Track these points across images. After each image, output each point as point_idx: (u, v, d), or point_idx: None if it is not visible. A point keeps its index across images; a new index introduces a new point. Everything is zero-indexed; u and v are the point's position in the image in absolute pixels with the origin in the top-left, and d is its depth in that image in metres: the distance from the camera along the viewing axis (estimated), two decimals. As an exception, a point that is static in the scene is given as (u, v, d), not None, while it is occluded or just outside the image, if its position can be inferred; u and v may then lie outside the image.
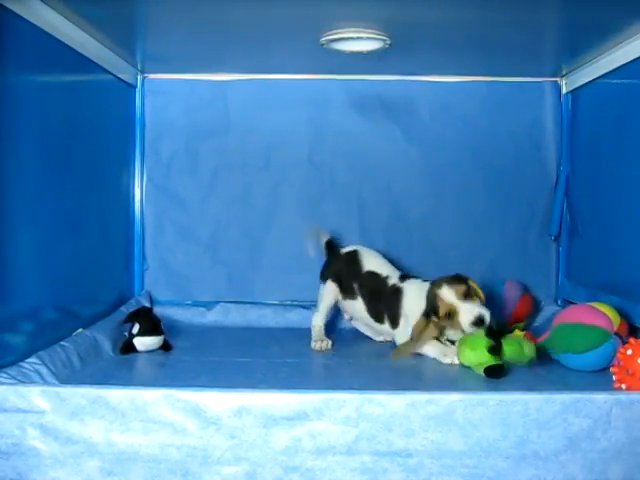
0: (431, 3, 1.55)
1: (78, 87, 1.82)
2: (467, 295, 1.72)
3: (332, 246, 2.13)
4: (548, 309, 2.26)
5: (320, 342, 1.92)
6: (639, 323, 1.72)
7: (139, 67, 2.28)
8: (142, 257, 2.36)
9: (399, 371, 1.70)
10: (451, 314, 1.72)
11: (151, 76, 2.35)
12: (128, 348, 1.84)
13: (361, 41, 1.80)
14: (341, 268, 2.03)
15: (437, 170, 2.37)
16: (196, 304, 2.33)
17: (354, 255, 2.03)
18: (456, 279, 1.75)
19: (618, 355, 1.40)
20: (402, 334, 1.85)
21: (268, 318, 2.28)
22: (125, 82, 2.21)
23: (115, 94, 2.17)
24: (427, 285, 1.81)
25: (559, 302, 2.33)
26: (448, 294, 1.73)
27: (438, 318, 1.74)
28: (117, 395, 1.20)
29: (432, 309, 1.75)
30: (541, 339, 1.77)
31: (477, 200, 2.37)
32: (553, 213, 2.33)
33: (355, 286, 1.99)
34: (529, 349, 1.66)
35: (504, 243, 2.36)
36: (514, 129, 2.36)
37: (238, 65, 2.26)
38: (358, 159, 2.37)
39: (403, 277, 1.93)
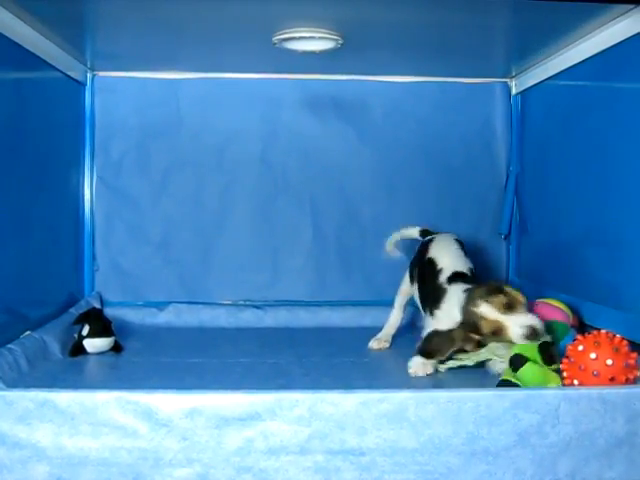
0: (383, 4, 1.56)
1: (25, 85, 1.78)
2: (509, 306, 1.53)
3: (426, 234, 2.02)
4: (498, 307, 2.29)
5: (375, 341, 1.92)
6: (587, 320, 1.75)
7: (89, 65, 2.25)
8: (92, 257, 2.32)
9: (355, 368, 1.70)
10: (497, 332, 1.53)
11: (101, 74, 2.32)
12: (78, 350, 1.81)
13: (313, 40, 1.80)
14: (415, 256, 1.94)
15: (389, 170, 2.38)
16: (148, 305, 2.31)
17: (428, 242, 1.91)
18: (492, 290, 1.56)
19: (568, 352, 1.41)
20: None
21: (221, 318, 2.27)
22: (74, 80, 2.17)
23: (64, 92, 2.13)
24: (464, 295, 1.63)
25: (509, 300, 2.36)
26: (489, 311, 1.53)
27: (481, 335, 1.56)
28: (66, 398, 1.18)
29: (473, 327, 1.56)
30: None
31: (429, 199, 2.39)
32: (503, 212, 2.37)
33: (415, 272, 1.89)
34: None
35: (455, 242, 2.39)
36: (465, 129, 2.39)
37: (190, 63, 2.25)
38: (311, 159, 2.37)
39: (456, 276, 1.73)
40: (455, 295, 1.64)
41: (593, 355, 1.34)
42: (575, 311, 1.76)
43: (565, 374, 1.40)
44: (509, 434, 1.21)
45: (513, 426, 1.21)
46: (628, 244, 1.62)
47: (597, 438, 1.22)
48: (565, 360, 1.41)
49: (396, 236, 2.07)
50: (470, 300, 1.57)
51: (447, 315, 1.63)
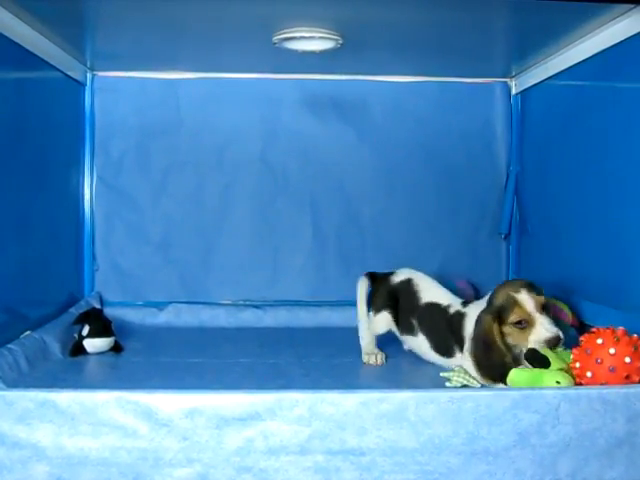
0: (383, 4, 1.55)
1: (25, 85, 1.78)
2: (545, 308, 1.52)
3: (374, 275, 1.88)
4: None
5: (371, 355, 1.76)
6: (587, 320, 1.75)
7: (89, 64, 2.25)
8: (92, 257, 2.32)
9: (355, 368, 1.70)
10: (522, 323, 1.50)
11: (101, 74, 2.32)
12: (78, 350, 1.81)
13: (313, 40, 1.80)
14: (395, 299, 1.80)
15: (389, 170, 2.38)
16: (148, 305, 2.31)
17: (408, 284, 1.80)
18: (533, 286, 1.54)
19: (585, 343, 1.38)
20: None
21: (221, 318, 2.27)
22: (74, 80, 2.17)
23: (64, 92, 2.13)
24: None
25: (509, 300, 2.36)
26: (527, 301, 1.51)
27: (504, 324, 1.52)
28: (66, 398, 1.18)
29: (501, 311, 1.51)
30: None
31: (428, 199, 2.39)
32: (503, 212, 2.37)
33: (414, 322, 1.75)
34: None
35: (455, 242, 2.39)
36: (465, 129, 2.39)
37: (190, 63, 2.25)
38: (310, 158, 2.37)
39: (465, 303, 1.69)
40: (478, 308, 1.60)
41: (612, 350, 1.33)
42: (575, 311, 1.76)
43: (578, 365, 1.37)
44: (509, 434, 1.21)
45: (513, 426, 1.21)
46: (628, 244, 1.62)
47: (597, 438, 1.22)
48: (579, 351, 1.38)
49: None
50: (511, 285, 1.55)
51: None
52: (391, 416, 1.19)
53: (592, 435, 1.22)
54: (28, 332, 1.72)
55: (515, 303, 1.51)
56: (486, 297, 1.61)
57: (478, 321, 1.55)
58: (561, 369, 1.42)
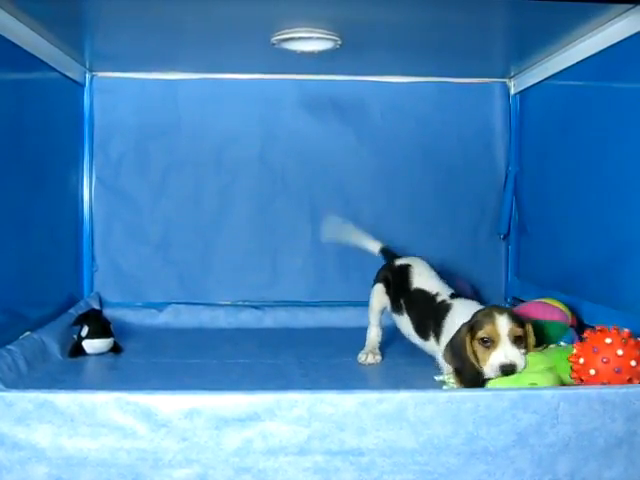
0: (381, 4, 1.56)
1: (24, 85, 1.78)
2: (517, 341, 1.47)
3: (388, 254, 1.98)
4: (497, 307, 2.29)
5: (366, 355, 1.79)
6: (587, 320, 1.75)
7: (87, 65, 2.25)
8: (91, 258, 2.32)
9: (354, 369, 1.70)
10: (487, 343, 1.47)
11: (100, 74, 2.32)
12: (77, 351, 1.81)
13: (312, 41, 1.80)
14: (391, 279, 1.88)
15: (388, 170, 2.38)
16: (147, 305, 2.31)
17: (405, 270, 1.84)
18: (518, 319, 1.50)
19: (591, 340, 1.37)
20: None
21: (220, 319, 2.27)
22: (73, 80, 2.17)
23: (63, 93, 2.13)
24: (478, 306, 1.60)
25: (508, 300, 2.37)
26: (502, 324, 1.47)
27: (474, 338, 1.49)
28: (65, 399, 1.18)
29: (475, 325, 1.50)
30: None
31: (428, 200, 2.39)
32: (502, 212, 2.37)
33: (403, 303, 1.81)
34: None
35: (454, 242, 2.39)
36: (464, 129, 2.39)
37: (189, 64, 2.25)
38: (310, 159, 2.37)
39: (454, 295, 1.72)
40: (465, 304, 1.64)
41: (620, 352, 1.33)
42: (574, 311, 1.76)
43: (582, 360, 1.37)
44: (508, 434, 1.21)
45: (512, 426, 1.21)
46: (627, 244, 1.62)
47: (596, 438, 1.22)
48: (584, 347, 1.38)
49: (351, 237, 2.06)
50: (499, 308, 1.54)
51: (455, 324, 1.58)
52: (390, 416, 1.19)
53: (591, 435, 1.22)
54: (27, 333, 1.72)
55: (490, 321, 1.48)
56: (476, 302, 1.64)
57: (458, 330, 1.54)
58: (549, 368, 1.42)
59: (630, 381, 1.32)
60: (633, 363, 1.33)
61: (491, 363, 1.46)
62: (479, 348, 1.49)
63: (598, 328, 1.40)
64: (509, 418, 1.21)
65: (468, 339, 1.50)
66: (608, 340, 1.36)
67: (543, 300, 1.76)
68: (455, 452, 1.20)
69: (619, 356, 1.33)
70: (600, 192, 1.76)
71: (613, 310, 1.65)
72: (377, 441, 1.19)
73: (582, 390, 1.24)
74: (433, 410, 1.20)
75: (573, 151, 1.92)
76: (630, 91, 1.61)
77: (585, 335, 1.41)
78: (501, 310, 1.51)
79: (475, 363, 1.48)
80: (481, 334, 1.48)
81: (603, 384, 1.32)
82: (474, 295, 2.20)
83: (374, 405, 1.19)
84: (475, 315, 1.53)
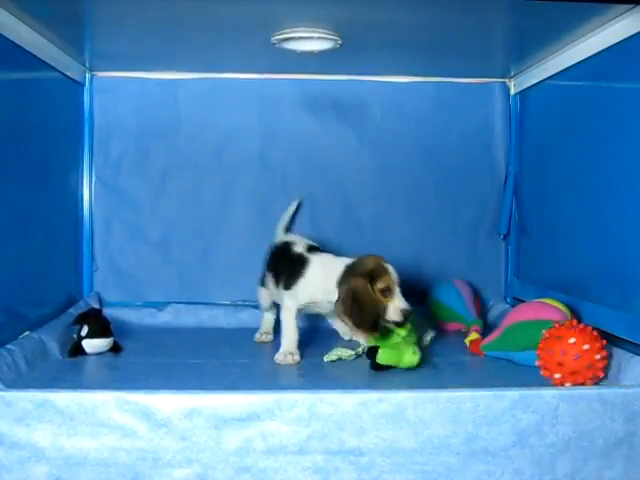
0: (382, 4, 1.55)
1: (24, 85, 1.78)
2: (399, 286, 1.66)
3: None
4: (497, 308, 2.30)
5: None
6: (587, 320, 1.75)
7: (87, 65, 2.25)
8: (91, 258, 2.32)
9: (353, 369, 1.70)
10: (386, 292, 1.64)
11: (100, 74, 2.32)
12: (77, 351, 1.81)
13: (312, 41, 1.80)
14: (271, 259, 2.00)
15: (388, 170, 2.38)
16: (147, 305, 2.31)
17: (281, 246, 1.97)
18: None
19: (575, 349, 1.47)
20: (292, 295, 1.78)
21: (220, 318, 2.27)
22: (73, 80, 2.17)
23: (63, 92, 2.13)
24: (339, 260, 1.72)
25: (508, 300, 2.37)
26: (393, 273, 1.66)
27: (372, 289, 1.64)
28: (65, 398, 1.18)
29: (372, 275, 1.64)
30: (491, 338, 1.79)
31: (427, 199, 2.39)
32: (502, 212, 2.37)
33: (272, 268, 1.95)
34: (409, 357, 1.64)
35: (454, 242, 2.39)
36: (464, 129, 2.39)
37: (189, 63, 2.24)
38: (310, 159, 2.37)
39: (311, 249, 1.85)
40: (323, 258, 1.78)
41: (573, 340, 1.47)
42: (574, 311, 1.76)
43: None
44: (508, 434, 1.21)
45: (512, 426, 1.21)
46: (627, 243, 1.62)
47: (596, 438, 1.22)
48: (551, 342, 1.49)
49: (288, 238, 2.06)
50: (376, 257, 1.68)
51: (312, 276, 1.76)
52: (390, 416, 1.20)
53: (591, 435, 1.22)
54: (27, 332, 1.72)
55: (386, 271, 1.64)
56: (331, 255, 1.79)
57: (344, 282, 1.65)
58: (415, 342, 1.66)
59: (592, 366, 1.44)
60: (598, 357, 1.46)
61: (395, 307, 1.62)
62: (378, 298, 1.63)
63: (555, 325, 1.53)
64: (509, 418, 1.21)
65: (369, 287, 1.63)
66: (572, 340, 1.47)
67: (543, 300, 1.77)
68: (455, 452, 1.20)
69: (572, 344, 1.46)
70: (600, 192, 1.76)
71: (613, 310, 1.65)
72: (377, 441, 1.20)
73: (582, 390, 1.25)
74: (433, 410, 1.20)
75: (573, 151, 1.92)
76: (630, 91, 1.61)
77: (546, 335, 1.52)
78: (382, 259, 1.68)
79: (378, 304, 1.62)
80: (381, 285, 1.63)
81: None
82: (476, 295, 2.21)
83: (374, 405, 1.20)
84: (356, 265, 1.66)
